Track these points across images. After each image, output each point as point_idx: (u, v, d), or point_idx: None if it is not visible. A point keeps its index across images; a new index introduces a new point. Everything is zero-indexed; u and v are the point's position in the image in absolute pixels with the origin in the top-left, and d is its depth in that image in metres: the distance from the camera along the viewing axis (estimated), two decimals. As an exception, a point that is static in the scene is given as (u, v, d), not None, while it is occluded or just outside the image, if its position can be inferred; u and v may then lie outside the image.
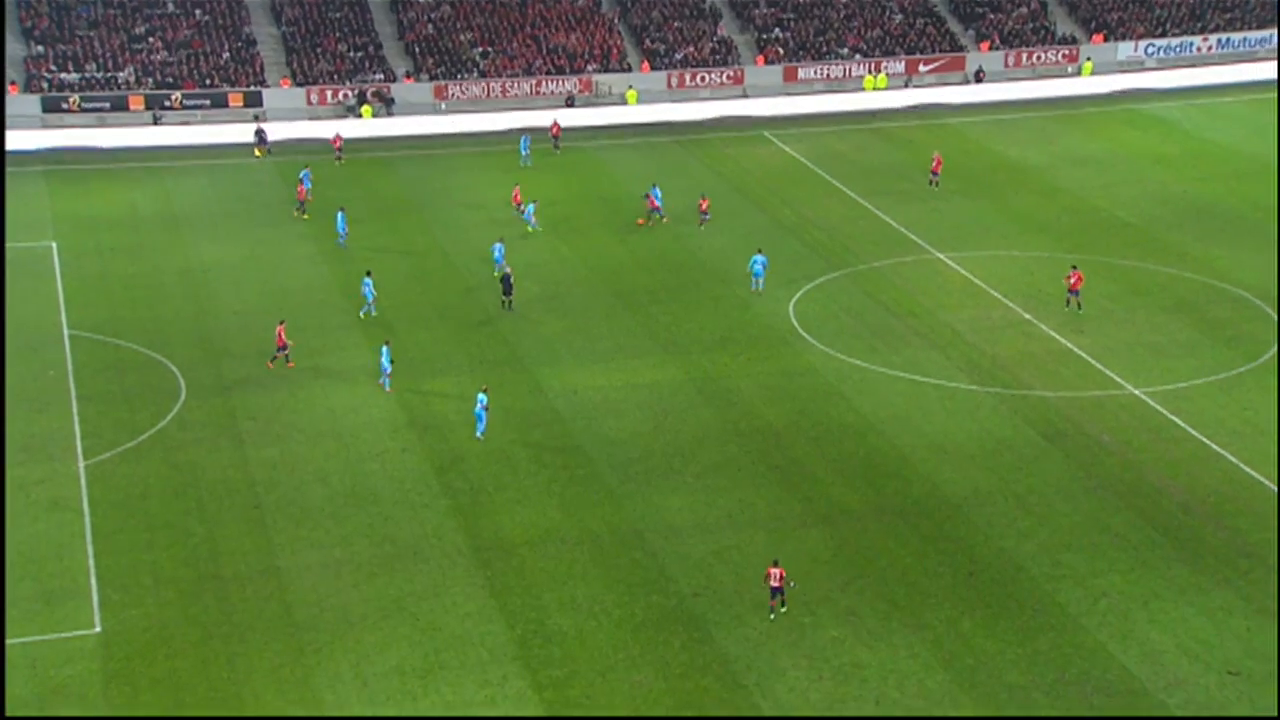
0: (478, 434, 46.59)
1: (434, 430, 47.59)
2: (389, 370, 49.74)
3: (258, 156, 74.97)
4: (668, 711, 34.96)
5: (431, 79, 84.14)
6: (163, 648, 36.57)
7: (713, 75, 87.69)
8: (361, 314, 55.86)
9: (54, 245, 62.08)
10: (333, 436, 46.96)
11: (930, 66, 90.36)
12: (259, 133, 75.72)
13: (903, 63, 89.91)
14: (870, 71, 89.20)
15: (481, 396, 46.81)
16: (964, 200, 70.49)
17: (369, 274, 56.74)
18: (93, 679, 35.24)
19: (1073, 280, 56.16)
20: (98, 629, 37.13)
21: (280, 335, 51.18)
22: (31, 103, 77.12)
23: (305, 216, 62.58)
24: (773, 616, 37.85)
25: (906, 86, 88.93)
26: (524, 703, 35.10)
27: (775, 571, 37.88)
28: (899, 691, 35.54)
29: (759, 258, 58.03)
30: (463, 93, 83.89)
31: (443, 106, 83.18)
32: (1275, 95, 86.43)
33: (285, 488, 43.94)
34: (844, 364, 52.69)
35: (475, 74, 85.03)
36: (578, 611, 38.54)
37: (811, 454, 46.60)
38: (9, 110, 75.92)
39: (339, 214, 63.45)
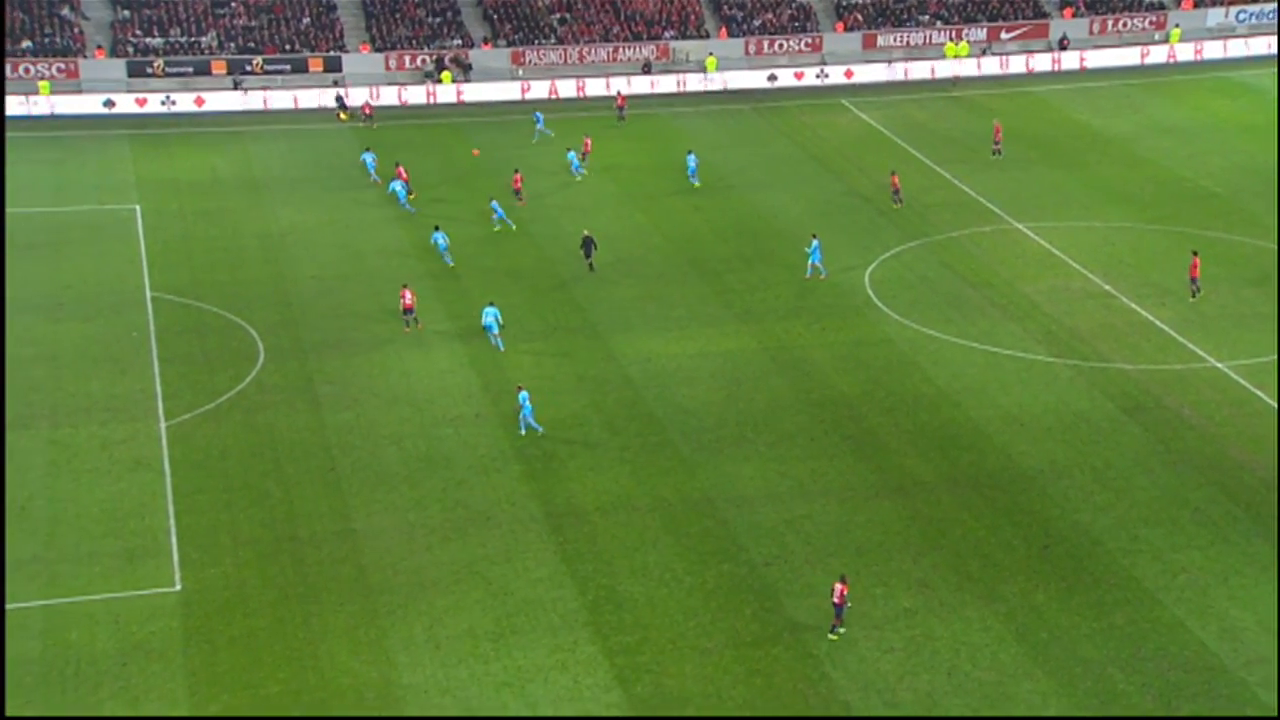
0: (522, 431, 45.25)
1: (508, 396, 47.74)
2: (496, 330, 49.78)
3: (341, 120, 75.43)
4: (736, 680, 34.97)
5: (509, 45, 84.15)
6: (240, 607, 37.10)
7: (791, 42, 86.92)
8: (450, 264, 56.89)
9: (138, 208, 62.87)
10: (408, 401, 47.30)
11: (1013, 33, 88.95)
12: (339, 98, 76.20)
13: (984, 29, 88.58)
14: (951, 38, 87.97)
15: (523, 395, 45.53)
16: (1045, 169, 69.46)
17: (437, 228, 57.52)
18: (173, 636, 35.85)
19: (1194, 267, 54.38)
20: (178, 587, 37.74)
21: (405, 297, 51.53)
22: (117, 67, 78.06)
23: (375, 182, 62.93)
24: (831, 636, 36.22)
25: (987, 54, 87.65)
26: (594, 668, 35.26)
27: (840, 588, 36.27)
28: (971, 664, 35.29)
29: (815, 242, 57.33)
30: (540, 59, 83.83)
31: (520, 72, 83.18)
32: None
33: (360, 451, 44.34)
34: (919, 334, 52.21)
35: (553, 40, 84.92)
36: (649, 578, 38.62)
37: (885, 424, 46.27)
38: (96, 74, 76.96)
39: (377, 171, 65.04)
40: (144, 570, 38.41)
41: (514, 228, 60.73)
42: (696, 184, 66.45)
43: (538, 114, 74.25)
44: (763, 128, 76.81)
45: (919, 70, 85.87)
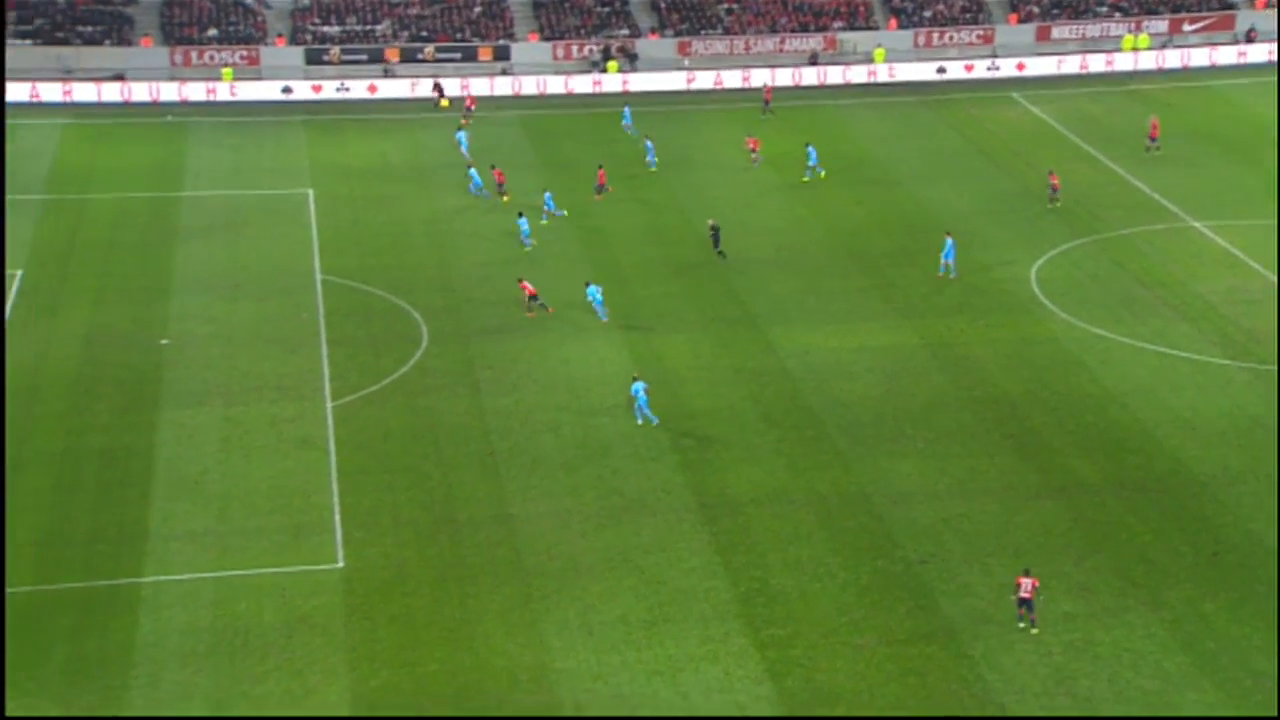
0: (639, 421, 45.25)
1: (664, 385, 47.96)
2: (601, 301, 50.07)
3: (443, 107, 76.24)
4: (889, 678, 34.66)
5: (676, 35, 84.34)
6: (400, 586, 37.92)
7: (962, 34, 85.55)
8: (527, 248, 57.70)
9: (311, 193, 64.54)
10: (566, 388, 47.78)
11: (1196, 25, 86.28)
12: (437, 85, 77.14)
13: (1166, 21, 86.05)
14: (1130, 30, 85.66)
15: (637, 385, 45.49)
16: (1224, 166, 67.30)
17: (521, 214, 58.98)
18: (335, 612, 36.80)
19: None
20: (340, 564, 38.72)
21: (526, 288, 52.16)
22: (295, 54, 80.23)
23: (505, 199, 62.88)
24: (1021, 626, 35.78)
25: (1167, 47, 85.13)
26: (745, 660, 35.26)
27: (1026, 581, 35.80)
28: (1133, 672, 34.45)
29: (949, 240, 56.15)
30: (706, 49, 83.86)
31: (686, 63, 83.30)
32: None
33: (518, 436, 44.94)
34: (1087, 333, 51.05)
35: (719, 30, 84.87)
36: (802, 572, 38.47)
37: (1049, 424, 45.36)
38: (275, 61, 79.17)
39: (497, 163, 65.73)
40: (309, 547, 39.50)
41: (565, 214, 60.70)
42: (822, 174, 65.44)
43: (626, 109, 73.52)
44: (930, 121, 75.77)
45: (1095, 63, 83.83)
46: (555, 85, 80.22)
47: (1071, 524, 40.23)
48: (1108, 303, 53.39)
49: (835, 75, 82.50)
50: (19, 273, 54.81)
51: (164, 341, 50.07)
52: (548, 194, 60.78)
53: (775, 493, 42.06)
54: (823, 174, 65.70)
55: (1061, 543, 39.43)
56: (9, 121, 71.13)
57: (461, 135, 67.95)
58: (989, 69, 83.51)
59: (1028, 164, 68.27)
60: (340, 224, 61.28)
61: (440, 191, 64.86)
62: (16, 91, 74.43)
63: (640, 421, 45.21)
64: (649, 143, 67.51)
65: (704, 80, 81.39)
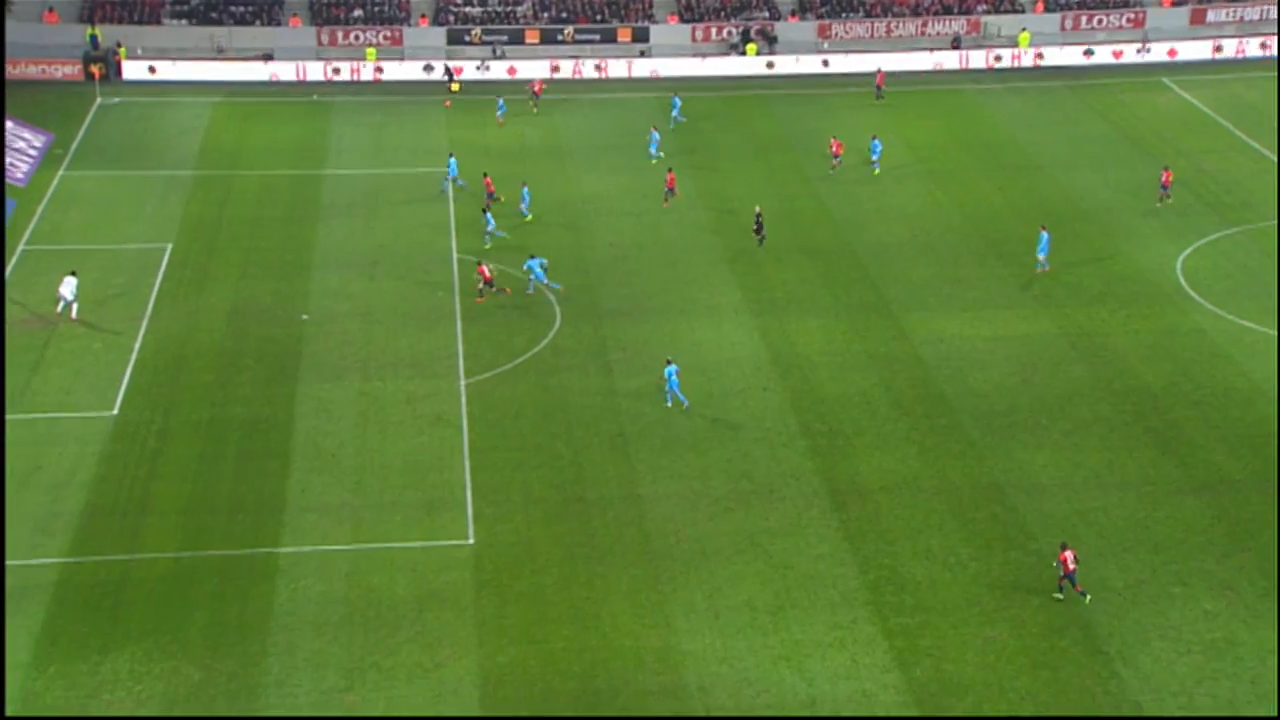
0: (668, 403, 45.03)
1: (796, 370, 47.74)
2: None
3: (454, 91, 76.11)
4: (1020, 671, 34.15)
5: (816, 18, 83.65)
6: (529, 563, 38.31)
7: (1111, 17, 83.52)
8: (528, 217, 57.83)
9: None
10: (697, 370, 47.78)
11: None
12: (448, 70, 77.08)
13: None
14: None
15: (670, 369, 45.17)
16: (1385, 155, 64.90)
17: (524, 183, 59.35)
18: (465, 587, 37.31)
19: None
20: (471, 540, 39.24)
21: (483, 272, 52.13)
22: (438, 35, 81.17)
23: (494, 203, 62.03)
24: (1059, 596, 36.06)
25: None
26: (873, 647, 35.01)
27: (1069, 554, 35.94)
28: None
29: (1044, 235, 54.53)
30: (846, 32, 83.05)
31: (825, 45, 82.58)
32: None
33: (649, 418, 45.06)
34: (1235, 326, 49.62)
35: (860, 13, 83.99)
36: (932, 561, 38.07)
37: (1192, 418, 44.23)
38: (418, 41, 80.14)
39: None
40: (441, 522, 40.08)
41: (529, 217, 59.24)
42: (877, 171, 63.97)
43: (676, 98, 72.15)
44: (1075, 106, 74.16)
45: (1251, 48, 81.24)
46: (692, 68, 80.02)
47: (1214, 521, 39.22)
48: (1257, 294, 51.84)
49: (978, 59, 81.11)
50: (168, 246, 56.35)
51: (304, 317, 51.13)
52: (525, 189, 59.84)
53: (906, 481, 41.64)
54: (877, 171, 64.03)
55: (1203, 540, 38.46)
56: (164, 99, 73.13)
57: (452, 161, 63.47)
58: (1139, 53, 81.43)
59: (1177, 151, 66.49)
60: (478, 203, 61.83)
61: (576, 172, 65.16)
62: (172, 70, 76.45)
63: (670, 404, 44.98)
64: (655, 133, 66.28)
65: (843, 64, 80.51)
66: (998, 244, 57.11)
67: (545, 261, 52.66)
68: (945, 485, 41.40)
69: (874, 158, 64.19)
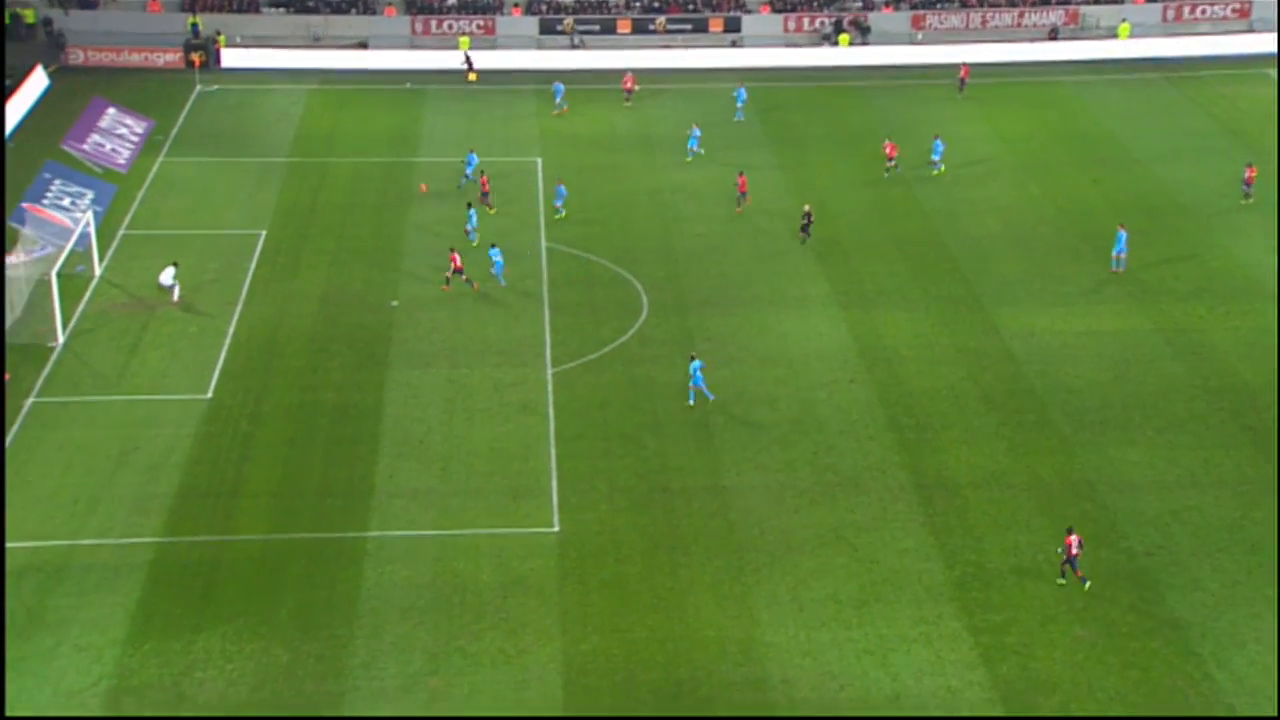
0: (691, 400, 44.69)
1: (884, 363, 47.41)
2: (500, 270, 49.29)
3: (471, 81, 76.02)
4: (1109, 670, 33.67)
5: (911, 8, 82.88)
6: (613, 552, 38.40)
7: (1215, 8, 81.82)
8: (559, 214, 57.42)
9: (539, 161, 65.56)
10: (783, 362, 47.60)
11: None
12: (467, 58, 76.89)
13: None
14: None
15: (695, 365, 44.74)
16: None
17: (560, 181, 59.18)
18: (549, 575, 37.49)
19: None
20: (556, 528, 39.41)
21: (455, 260, 52.09)
22: (530, 24, 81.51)
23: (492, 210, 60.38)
24: (1062, 581, 36.30)
25: None
26: (958, 643, 34.71)
27: (1073, 539, 36.09)
28: (1371, 682, 32.77)
29: (1122, 234, 53.32)
30: (940, 23, 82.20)
31: (919, 37, 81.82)
32: None
33: (734, 409, 44.96)
34: (1337, 324, 48.50)
35: (955, 4, 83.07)
36: (1020, 558, 37.65)
37: (1291, 418, 43.33)
38: (511, 30, 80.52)
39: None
40: (526, 509, 40.30)
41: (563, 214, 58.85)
42: (939, 171, 62.61)
43: (740, 89, 71.23)
44: (1175, 98, 72.84)
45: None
46: (786, 58, 79.64)
47: (1311, 523, 38.40)
48: (1360, 292, 50.67)
49: (1076, 51, 79.89)
50: (263, 233, 57.14)
51: (394, 303, 51.62)
52: (560, 187, 59.37)
53: (994, 476, 41.21)
54: (942, 169, 62.72)
55: (1300, 542, 37.68)
56: (261, 86, 74.13)
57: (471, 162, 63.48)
58: (1244, 44, 79.69)
59: None
60: (570, 192, 62.01)
61: (665, 163, 65.11)
62: (268, 58, 77.45)
63: (693, 401, 44.63)
64: (695, 129, 65.68)
65: (935, 55, 79.66)
66: (1091, 238, 56.28)
67: (501, 251, 52.82)
68: (1034, 481, 40.91)
69: (935, 158, 62.80)
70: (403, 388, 46.25)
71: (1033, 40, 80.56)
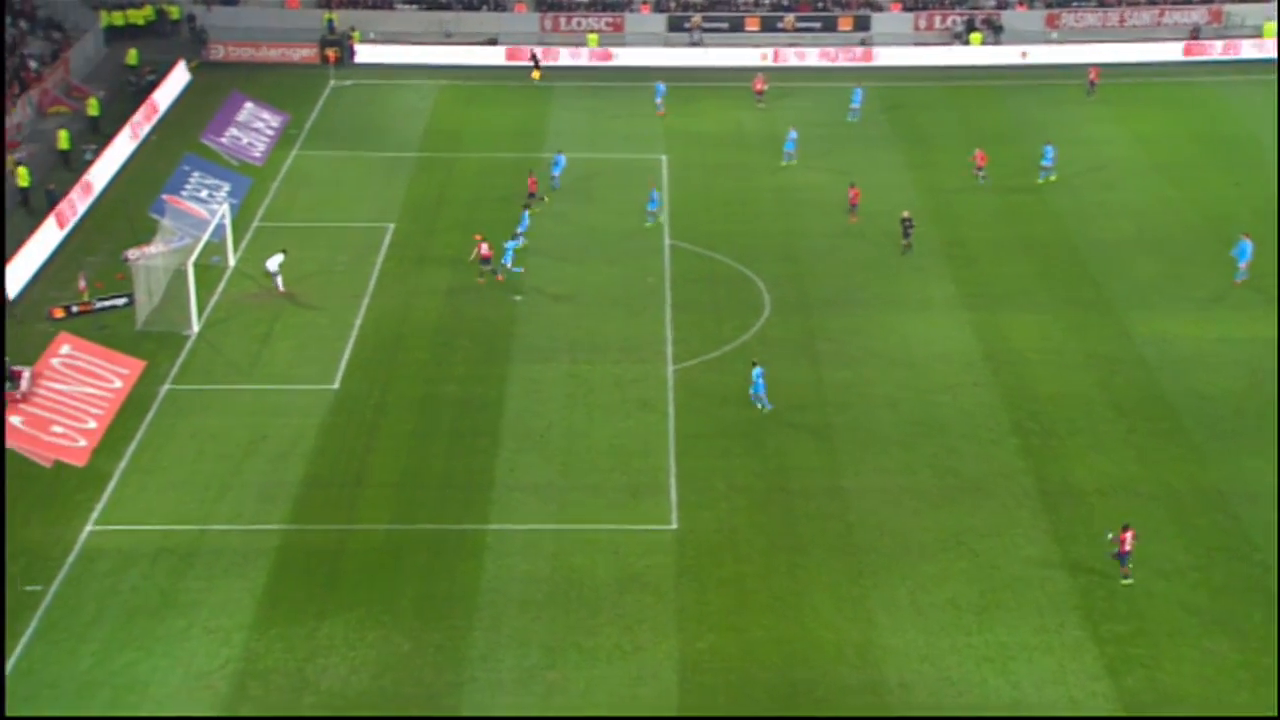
0: (757, 405, 44.23)
1: (1010, 367, 46.76)
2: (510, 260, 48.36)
3: (535, 79, 75.69)
4: (1240, 685, 32.84)
5: (1046, 6, 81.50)
6: (730, 551, 38.37)
7: (1369, 4, 79.25)
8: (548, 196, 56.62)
9: (664, 158, 65.67)
10: (905, 364, 47.16)
11: None
12: (533, 55, 76.37)
13: None
14: None
15: (756, 371, 44.27)
16: None
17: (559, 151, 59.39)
18: (666, 572, 37.58)
19: None
20: (674, 526, 39.48)
21: (481, 248, 52.29)
22: (658, 21, 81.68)
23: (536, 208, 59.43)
24: (1127, 581, 35.95)
25: None
26: (1081, 653, 34.16)
27: (1129, 535, 35.66)
28: None
29: (1245, 243, 51.53)
30: (1077, 22, 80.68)
31: (1054, 35, 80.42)
32: None
33: (855, 410, 44.68)
34: None
35: (1092, 2, 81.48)
36: (1147, 568, 36.89)
37: None
38: (639, 27, 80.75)
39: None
40: (644, 507, 40.42)
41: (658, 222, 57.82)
42: (1051, 179, 60.83)
43: (857, 90, 69.74)
44: (1320, 98, 70.67)
45: None
46: (916, 56, 78.80)
47: None
48: None
49: (1217, 50, 77.88)
50: (390, 226, 58.01)
51: (517, 298, 52.10)
52: (654, 192, 58.55)
53: (1122, 484, 40.44)
54: (1052, 177, 61.04)
55: None
56: (392, 82, 75.23)
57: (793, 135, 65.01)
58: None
59: None
60: (691, 190, 62.13)
61: (797, 159, 64.73)
62: (401, 53, 78.61)
63: (759, 406, 44.18)
64: (792, 132, 64.52)
65: (1070, 54, 78.19)
66: (1230, 243, 54.77)
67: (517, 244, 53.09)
68: (1164, 490, 40.05)
69: (1045, 163, 61.03)
70: (524, 382, 46.66)
71: (1173, 39, 78.66)
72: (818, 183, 62.41)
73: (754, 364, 44.97)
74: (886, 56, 78.54)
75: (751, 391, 44.42)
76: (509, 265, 53.13)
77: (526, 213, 56.47)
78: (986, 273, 53.34)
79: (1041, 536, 38.42)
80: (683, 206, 60.10)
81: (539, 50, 77.89)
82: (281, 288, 52.37)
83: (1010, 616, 35.50)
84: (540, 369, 47.47)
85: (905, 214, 55.51)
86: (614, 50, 79.37)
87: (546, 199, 59.16)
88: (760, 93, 72.25)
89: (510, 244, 53.35)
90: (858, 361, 47.44)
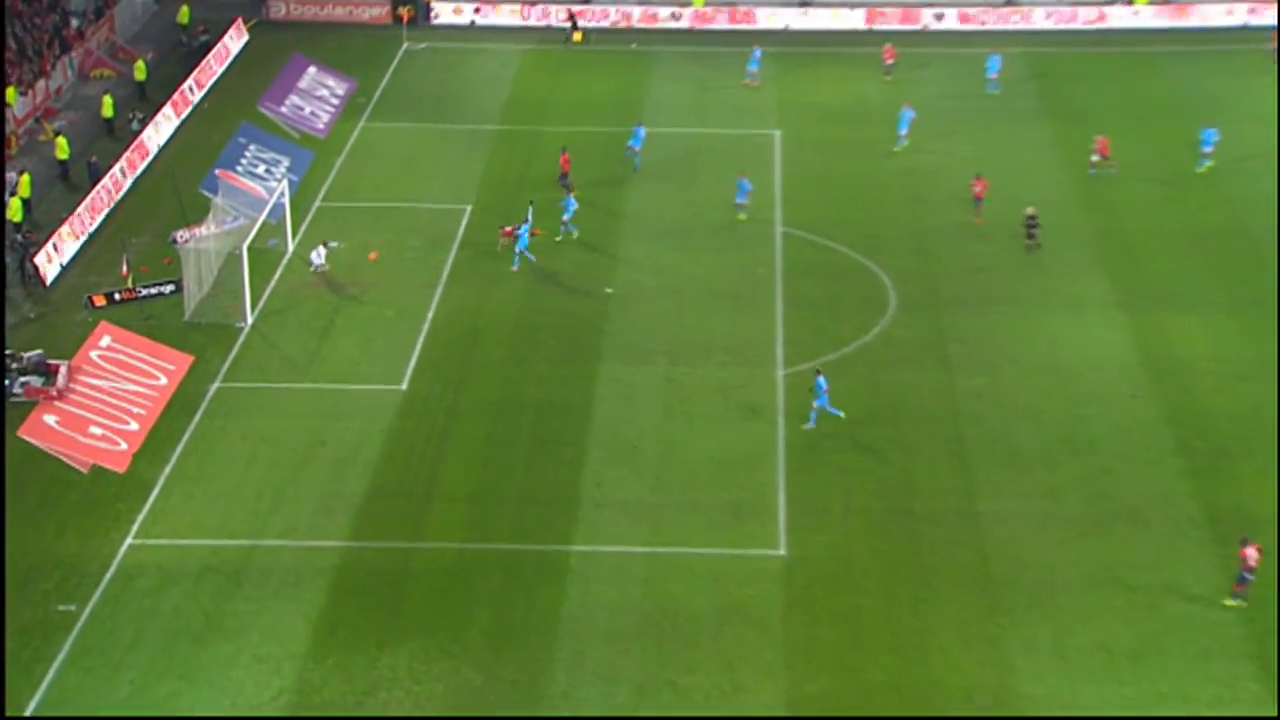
0: (810, 424, 43.89)
1: (1173, 377, 45.97)
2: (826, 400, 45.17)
3: (576, 41, 75.26)
4: None
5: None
6: (846, 581, 38.04)
7: None
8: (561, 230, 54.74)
9: (777, 134, 65.35)
10: (1051, 371, 46.54)
11: None
12: (570, 15, 75.74)
13: None
14: None
15: (821, 380, 43.73)
16: None
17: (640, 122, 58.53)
18: (772, 603, 37.33)
19: None
20: (782, 551, 39.23)
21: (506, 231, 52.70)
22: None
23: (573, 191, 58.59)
24: (1240, 603, 35.65)
25: None
26: (1260, 709, 33.57)
27: (1251, 551, 35.38)
28: None
29: None
30: (1253, -22, 78.99)
31: (1225, -6, 78.86)
32: None
33: (992, 423, 44.15)
34: None
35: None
36: (1334, 614, 36.02)
37: None
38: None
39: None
40: (748, 528, 40.18)
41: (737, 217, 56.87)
42: (1210, 166, 59.40)
43: (993, 58, 68.88)
44: None
45: None
46: (1068, 17, 77.67)
47: None
48: None
49: None
50: (467, 208, 58.27)
51: (608, 290, 52.06)
52: (743, 181, 57.43)
53: (1304, 514, 39.56)
54: (1210, 164, 59.54)
55: None
56: (472, 45, 75.61)
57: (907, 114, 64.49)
58: None
59: None
60: (807, 171, 61.76)
61: (923, 139, 64.16)
62: (482, 14, 78.92)
63: (812, 425, 43.66)
64: (908, 111, 63.33)
65: (1250, 17, 76.60)
66: None
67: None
68: (1353, 523, 39.11)
69: (1205, 149, 59.65)
70: (615, 385, 46.60)
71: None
72: (954, 163, 61.68)
73: (817, 372, 44.60)
74: (1036, 18, 77.52)
75: (815, 403, 43.99)
76: (519, 252, 53.27)
77: (571, 197, 56.22)
78: (1146, 268, 52.46)
79: (1209, 572, 37.71)
80: (797, 188, 59.73)
81: (576, 8, 77.76)
82: (317, 266, 52.87)
83: (1172, 664, 34.93)
84: (633, 370, 47.39)
85: (1029, 210, 54.46)
86: (722, 11, 79.05)
87: (575, 187, 58.73)
88: (890, 64, 71.58)
89: (524, 228, 53.43)
90: (995, 367, 46.89)
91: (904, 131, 63.34)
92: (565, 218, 55.57)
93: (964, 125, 65.38)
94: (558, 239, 54.98)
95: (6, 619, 36.43)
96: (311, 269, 53.08)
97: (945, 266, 53.41)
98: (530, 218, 54.11)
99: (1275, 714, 33.64)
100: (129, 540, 39.76)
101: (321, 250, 53.36)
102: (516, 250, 53.38)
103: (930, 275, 52.81)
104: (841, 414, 44.03)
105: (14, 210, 54.93)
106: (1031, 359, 47.39)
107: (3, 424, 43.44)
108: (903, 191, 59.67)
